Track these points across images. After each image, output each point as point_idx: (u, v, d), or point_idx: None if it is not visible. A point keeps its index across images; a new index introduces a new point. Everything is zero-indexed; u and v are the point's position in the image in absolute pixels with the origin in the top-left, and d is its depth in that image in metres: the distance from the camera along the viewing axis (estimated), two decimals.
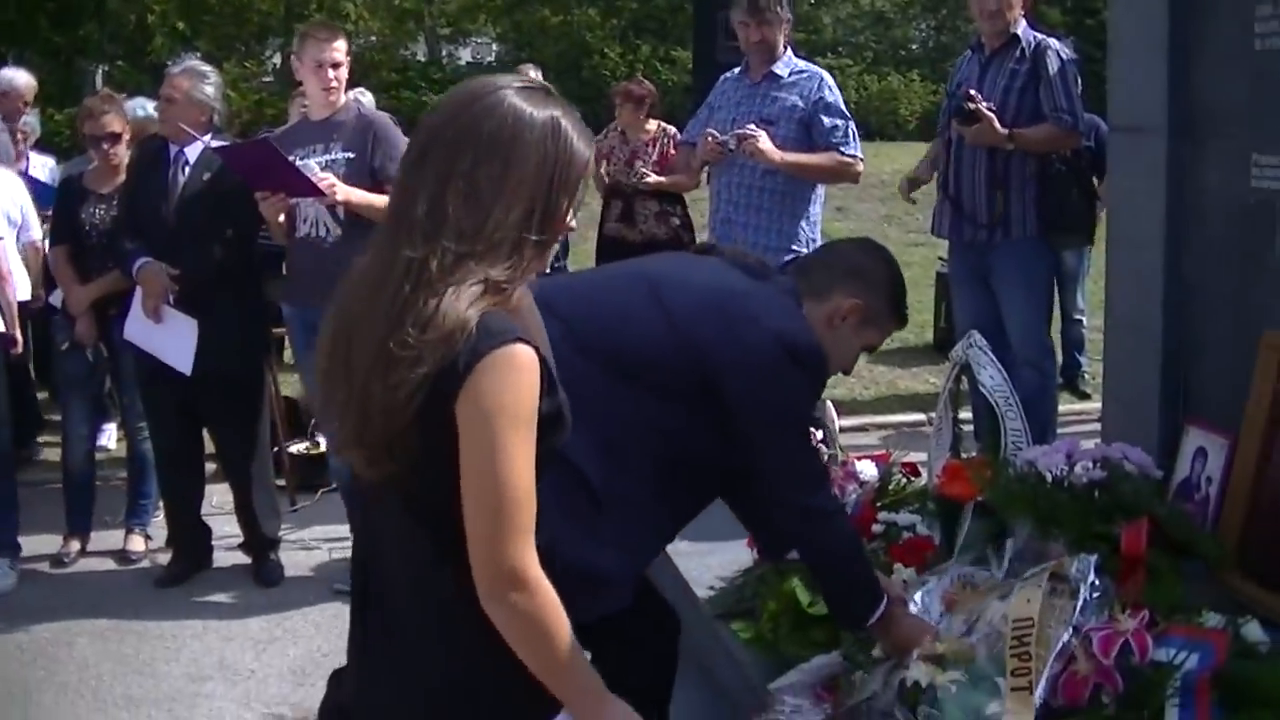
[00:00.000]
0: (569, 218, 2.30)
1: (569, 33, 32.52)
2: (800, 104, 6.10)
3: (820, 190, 6.31)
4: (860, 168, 6.24)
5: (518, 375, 2.14)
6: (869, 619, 3.18)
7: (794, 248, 6.07)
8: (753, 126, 5.96)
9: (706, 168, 6.68)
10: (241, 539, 6.34)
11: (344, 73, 5.92)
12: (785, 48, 6.27)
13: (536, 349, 2.19)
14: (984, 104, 5.87)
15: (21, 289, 6.58)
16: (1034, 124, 5.90)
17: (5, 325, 6.17)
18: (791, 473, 3.19)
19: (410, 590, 2.32)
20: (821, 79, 6.21)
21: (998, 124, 5.84)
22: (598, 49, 30.68)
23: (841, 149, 6.08)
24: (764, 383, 3.08)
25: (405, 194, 2.24)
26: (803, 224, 6.15)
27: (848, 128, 6.13)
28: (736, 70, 6.48)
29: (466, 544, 2.17)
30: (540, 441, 2.19)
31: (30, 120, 8.40)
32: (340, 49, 5.88)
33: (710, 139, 6.11)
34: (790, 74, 6.21)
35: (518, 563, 2.15)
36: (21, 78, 8.49)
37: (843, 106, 6.20)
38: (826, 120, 6.08)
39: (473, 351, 2.11)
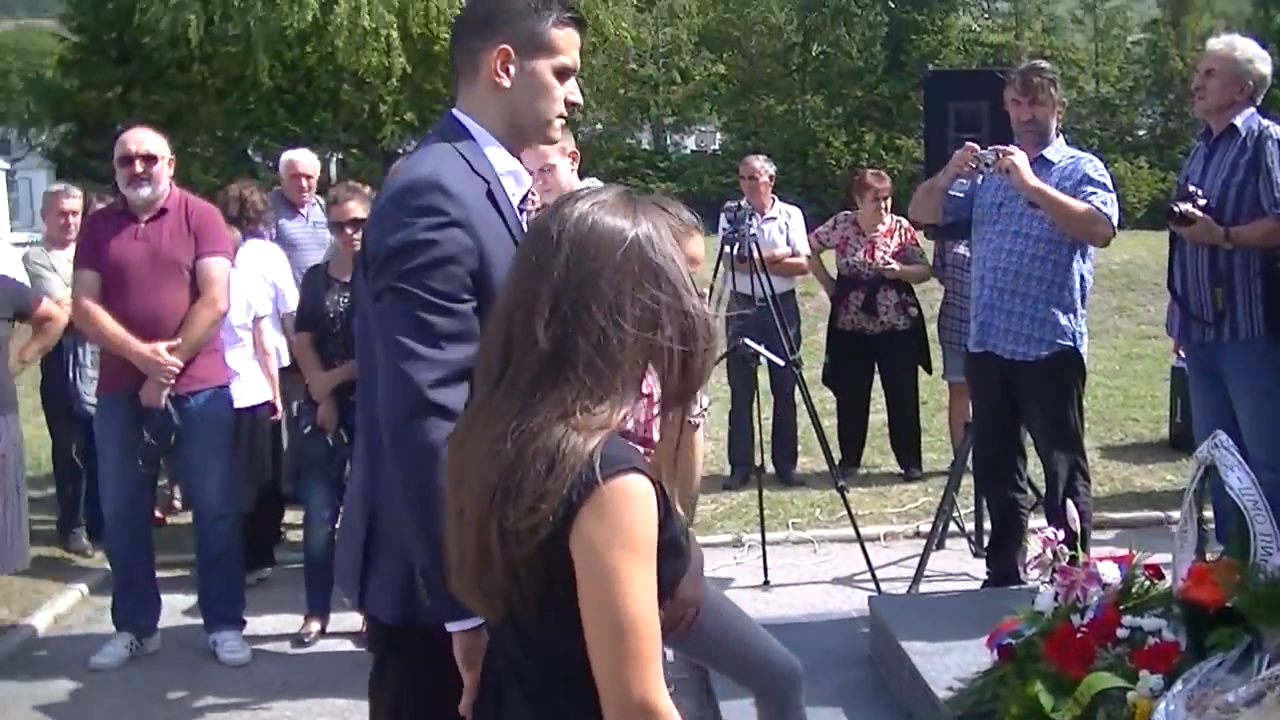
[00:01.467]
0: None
1: (793, 121, 32.78)
2: (1068, 186, 5.82)
3: (1089, 280, 6.03)
4: (1112, 230, 5.87)
5: (632, 504, 2.09)
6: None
7: (1059, 341, 5.86)
8: (1013, 146, 5.78)
9: (967, 246, 6.22)
10: None
11: (559, 172, 6.02)
12: (1057, 133, 6.06)
13: (652, 478, 2.14)
14: (1200, 199, 5.70)
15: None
16: (1257, 217, 5.70)
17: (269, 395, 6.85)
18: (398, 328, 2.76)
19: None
20: (1092, 162, 5.96)
21: (1212, 222, 5.66)
22: (823, 137, 30.85)
23: (1097, 204, 5.77)
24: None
25: (523, 343, 2.17)
26: (1064, 317, 5.86)
27: (1108, 196, 5.82)
28: None
29: (582, 676, 2.12)
30: (660, 569, 2.13)
31: None
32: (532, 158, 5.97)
33: (969, 150, 5.88)
34: (1061, 160, 5.95)
35: (646, 696, 2.09)
36: (304, 158, 8.90)
37: (1109, 184, 5.90)
38: (1088, 188, 5.78)
39: (587, 483, 2.07)
